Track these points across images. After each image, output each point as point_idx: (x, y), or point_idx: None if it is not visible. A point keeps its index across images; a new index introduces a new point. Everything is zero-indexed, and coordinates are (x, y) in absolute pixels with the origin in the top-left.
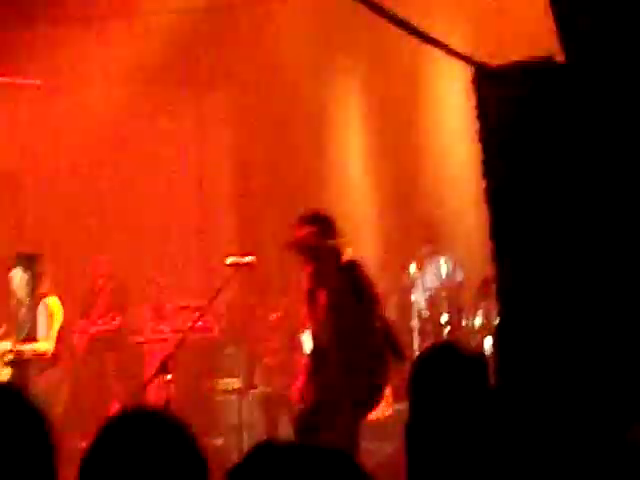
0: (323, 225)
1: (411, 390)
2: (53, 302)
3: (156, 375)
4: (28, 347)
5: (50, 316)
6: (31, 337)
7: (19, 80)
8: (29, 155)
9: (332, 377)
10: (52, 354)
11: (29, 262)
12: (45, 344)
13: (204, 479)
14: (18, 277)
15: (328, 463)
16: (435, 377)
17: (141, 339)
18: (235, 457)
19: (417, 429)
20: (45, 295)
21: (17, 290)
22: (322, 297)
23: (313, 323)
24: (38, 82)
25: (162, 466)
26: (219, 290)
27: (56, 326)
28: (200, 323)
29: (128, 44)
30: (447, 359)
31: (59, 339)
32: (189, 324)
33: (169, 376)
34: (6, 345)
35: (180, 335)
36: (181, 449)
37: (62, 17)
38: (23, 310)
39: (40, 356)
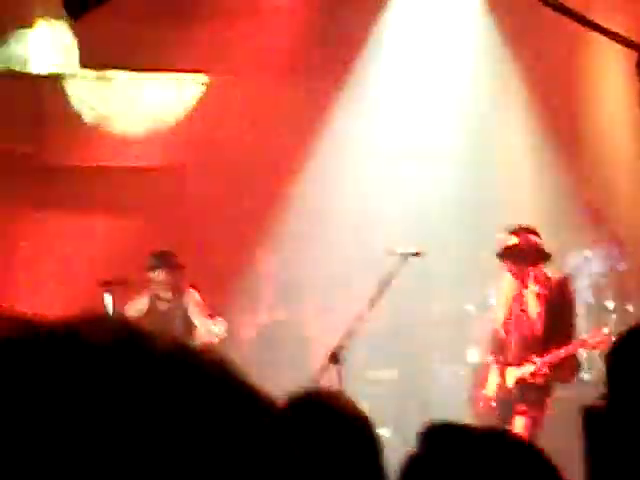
0: (536, 233)
1: (609, 379)
2: (194, 293)
3: (326, 366)
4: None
5: (198, 304)
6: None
7: (185, 75)
8: (191, 147)
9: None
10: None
11: (171, 260)
12: (215, 328)
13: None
14: (161, 276)
15: (513, 450)
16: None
17: (308, 331)
18: (399, 449)
19: (612, 420)
20: (185, 288)
21: (159, 289)
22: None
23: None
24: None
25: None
26: (388, 281)
27: (204, 315)
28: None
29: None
30: None
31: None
32: (357, 316)
33: (339, 367)
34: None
35: (348, 327)
36: (356, 437)
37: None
38: (170, 307)
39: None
